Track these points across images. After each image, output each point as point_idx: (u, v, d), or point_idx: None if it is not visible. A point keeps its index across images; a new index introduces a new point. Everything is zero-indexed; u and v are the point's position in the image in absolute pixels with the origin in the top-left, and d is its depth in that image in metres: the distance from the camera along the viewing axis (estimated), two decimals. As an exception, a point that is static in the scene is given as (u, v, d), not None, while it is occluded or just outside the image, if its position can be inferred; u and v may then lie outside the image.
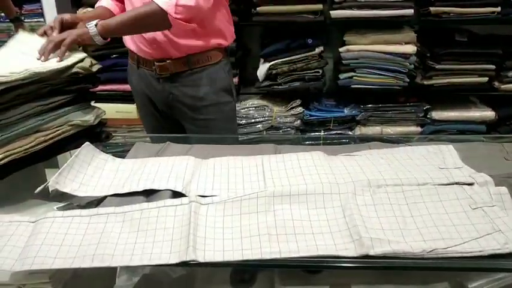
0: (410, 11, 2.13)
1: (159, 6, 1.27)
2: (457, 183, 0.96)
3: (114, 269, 1.00)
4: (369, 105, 2.37)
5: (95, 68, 1.18)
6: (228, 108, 1.55)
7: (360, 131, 2.39)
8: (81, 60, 1.16)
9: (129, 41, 1.48)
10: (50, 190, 1.04)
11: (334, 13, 2.14)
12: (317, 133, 2.38)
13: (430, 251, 0.78)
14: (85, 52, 1.25)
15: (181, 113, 1.52)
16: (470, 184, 0.96)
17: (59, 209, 1.00)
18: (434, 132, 2.38)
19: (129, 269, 1.00)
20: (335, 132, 2.40)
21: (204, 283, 0.94)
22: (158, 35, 1.38)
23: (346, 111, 2.39)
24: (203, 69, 1.45)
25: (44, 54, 1.16)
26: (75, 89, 1.17)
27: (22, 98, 1.06)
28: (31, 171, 1.13)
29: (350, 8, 2.13)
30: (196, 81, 1.45)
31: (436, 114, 2.36)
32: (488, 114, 2.36)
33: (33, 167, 1.13)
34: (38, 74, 1.06)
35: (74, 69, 1.14)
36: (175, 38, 1.38)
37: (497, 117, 2.35)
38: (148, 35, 1.38)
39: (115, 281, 0.99)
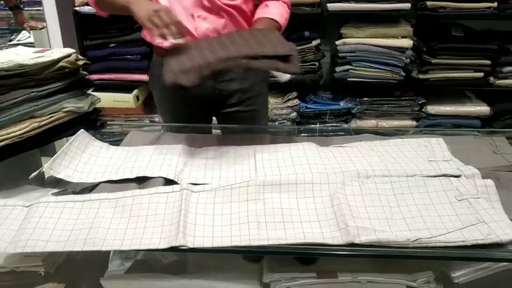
0: (407, 5, 2.13)
1: None
2: (444, 175, 0.98)
3: (107, 254, 1.02)
4: (365, 99, 2.38)
5: (80, 62, 1.20)
6: (266, 99, 1.53)
7: (355, 124, 2.40)
8: (68, 56, 1.17)
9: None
10: (45, 176, 1.06)
11: (332, 6, 2.14)
12: (313, 125, 2.39)
13: (414, 240, 0.80)
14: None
15: (224, 107, 1.45)
16: (458, 176, 0.98)
17: (53, 194, 1.01)
18: (430, 127, 2.39)
19: (122, 254, 1.01)
20: (331, 124, 2.41)
21: (195, 269, 0.96)
22: (211, 32, 1.32)
23: (342, 104, 2.40)
24: None
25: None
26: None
27: (5, 89, 1.06)
28: (27, 157, 1.15)
29: (347, 1, 2.13)
30: (240, 74, 1.40)
31: (432, 109, 2.37)
32: (483, 109, 2.37)
33: (28, 153, 1.14)
34: (23, 66, 1.08)
35: (60, 64, 1.15)
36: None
37: (492, 112, 2.36)
38: (200, 32, 1.31)
39: (108, 265, 1.01)
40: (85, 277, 0.98)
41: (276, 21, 1.34)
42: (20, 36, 3.05)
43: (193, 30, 1.30)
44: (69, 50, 1.21)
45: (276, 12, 1.35)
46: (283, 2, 1.40)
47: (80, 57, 1.22)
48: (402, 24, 2.24)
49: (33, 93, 1.09)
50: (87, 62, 1.23)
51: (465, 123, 2.38)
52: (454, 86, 2.33)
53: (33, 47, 2.46)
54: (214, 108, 1.46)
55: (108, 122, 1.35)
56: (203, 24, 1.30)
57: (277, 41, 1.12)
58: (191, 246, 0.79)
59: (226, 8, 1.30)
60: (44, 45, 2.54)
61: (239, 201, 0.91)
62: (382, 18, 2.24)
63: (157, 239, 0.81)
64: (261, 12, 1.36)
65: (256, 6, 1.40)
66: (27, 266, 0.87)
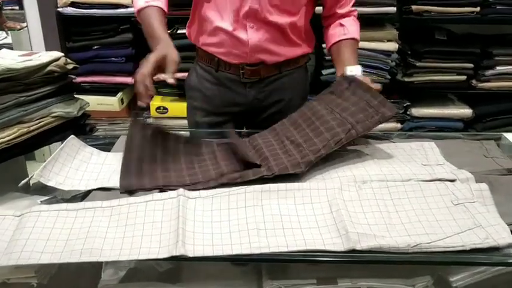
0: (393, 9, 2.16)
1: None
2: (439, 180, 0.99)
3: (100, 263, 0.99)
4: (351, 101, 2.39)
5: (70, 66, 1.17)
6: None
7: (341, 126, 2.41)
8: (57, 59, 1.15)
9: (213, 45, 1.34)
10: (31, 183, 1.03)
11: (318, 8, 2.14)
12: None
13: (415, 246, 0.81)
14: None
15: (260, 118, 1.41)
16: (452, 180, 0.99)
17: (42, 202, 0.98)
18: (414, 129, 2.42)
19: (115, 264, 0.99)
20: (317, 127, 2.42)
21: (191, 277, 0.95)
22: (263, 43, 1.29)
23: (329, 107, 2.40)
24: (291, 72, 1.38)
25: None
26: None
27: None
28: (12, 164, 1.11)
29: (334, 4, 2.14)
30: (284, 84, 1.37)
31: (416, 111, 2.40)
32: (466, 111, 2.41)
33: (14, 160, 1.11)
34: (11, 71, 1.05)
35: (49, 68, 1.12)
36: (275, 46, 1.30)
37: (474, 114, 2.41)
38: (252, 43, 1.28)
39: (101, 275, 0.98)
40: (79, 287, 0.95)
41: (357, 40, 1.35)
42: (-4, 37, 2.97)
43: (246, 40, 1.27)
44: (58, 54, 1.18)
45: (354, 30, 1.35)
46: (354, 16, 1.39)
47: (69, 61, 1.19)
48: (388, 27, 2.26)
49: (22, 98, 1.06)
50: (76, 66, 1.20)
51: (448, 126, 2.42)
52: (438, 89, 2.37)
53: (11, 48, 2.41)
54: (250, 118, 1.42)
55: (97, 127, 1.32)
56: (256, 35, 1.26)
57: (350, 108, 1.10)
58: (191, 255, 0.78)
59: (279, 23, 1.27)
60: (23, 46, 2.48)
61: (237, 208, 0.90)
62: (368, 22, 2.24)
63: (156, 248, 0.80)
64: (340, 33, 1.35)
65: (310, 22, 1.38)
66: (19, 278, 0.84)
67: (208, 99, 1.40)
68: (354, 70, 1.26)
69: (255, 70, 1.31)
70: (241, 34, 1.25)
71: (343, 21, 1.37)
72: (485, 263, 0.82)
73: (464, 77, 2.33)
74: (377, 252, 0.80)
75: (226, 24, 1.25)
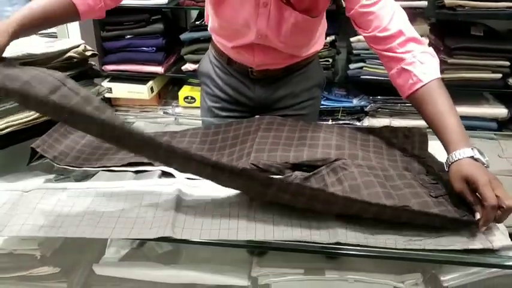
0: (424, 3, 2.09)
1: None
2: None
3: (104, 241, 1.04)
4: (378, 97, 2.35)
5: (88, 53, 1.22)
6: (318, 102, 1.49)
7: (368, 122, 2.38)
8: (76, 46, 1.20)
9: (223, 47, 1.35)
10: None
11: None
12: (325, 122, 2.37)
13: (404, 242, 0.80)
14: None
15: (269, 111, 1.39)
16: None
17: (56, 180, 1.04)
18: (444, 127, 2.34)
19: (119, 242, 1.03)
20: (343, 122, 2.40)
21: (187, 260, 0.98)
22: (270, 59, 1.28)
23: (355, 102, 2.38)
24: (300, 67, 1.38)
25: None
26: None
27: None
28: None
29: (363, -3, 2.10)
30: (292, 80, 1.37)
31: (446, 109, 2.32)
32: (501, 111, 2.31)
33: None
34: (31, 56, 1.11)
35: (68, 54, 1.18)
36: (282, 59, 1.29)
37: (510, 114, 2.31)
38: (257, 59, 1.27)
39: (104, 252, 1.03)
40: (81, 262, 1.00)
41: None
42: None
43: (252, 57, 1.27)
44: (78, 41, 1.24)
45: (436, 67, 1.04)
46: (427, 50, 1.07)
47: (88, 47, 1.24)
48: (419, 22, 2.19)
49: (40, 82, 1.12)
50: (94, 52, 1.26)
51: (481, 125, 2.33)
52: (470, 87, 2.27)
53: (56, 36, 2.52)
54: (259, 110, 1.40)
55: (120, 113, 1.38)
56: (260, 55, 1.26)
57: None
58: (178, 237, 0.80)
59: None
60: (65, 34, 2.60)
61: (235, 195, 0.92)
62: (398, 16, 2.20)
63: (147, 229, 0.83)
64: (420, 72, 1.02)
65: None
66: (24, 249, 0.90)
67: (219, 87, 1.42)
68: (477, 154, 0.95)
69: (262, 71, 1.33)
70: (247, 54, 1.27)
71: (420, 57, 1.02)
72: (478, 264, 0.80)
73: (499, 75, 2.23)
74: (365, 246, 0.80)
75: (232, 45, 1.27)
